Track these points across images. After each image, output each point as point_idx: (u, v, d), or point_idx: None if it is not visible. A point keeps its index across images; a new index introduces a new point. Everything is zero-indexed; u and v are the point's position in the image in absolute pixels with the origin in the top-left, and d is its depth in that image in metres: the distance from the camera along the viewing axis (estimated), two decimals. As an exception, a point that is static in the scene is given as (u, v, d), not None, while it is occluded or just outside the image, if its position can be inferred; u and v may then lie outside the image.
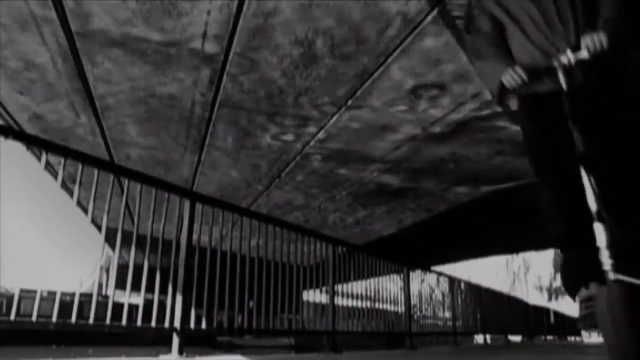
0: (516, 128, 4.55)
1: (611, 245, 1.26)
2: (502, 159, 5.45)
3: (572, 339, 21.25)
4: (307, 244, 5.23)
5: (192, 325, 3.52)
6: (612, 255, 1.25)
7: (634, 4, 1.54)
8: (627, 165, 1.47)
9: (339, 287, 5.51)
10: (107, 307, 2.90)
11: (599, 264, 1.27)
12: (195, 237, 3.69)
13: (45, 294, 2.94)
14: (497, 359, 4.12)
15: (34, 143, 2.98)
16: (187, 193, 3.92)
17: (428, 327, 7.98)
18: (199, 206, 3.88)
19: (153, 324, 3.23)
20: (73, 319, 2.74)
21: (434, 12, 2.97)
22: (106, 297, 3.27)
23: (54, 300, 2.80)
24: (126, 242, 3.23)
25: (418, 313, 7.61)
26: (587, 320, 1.37)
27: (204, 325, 3.71)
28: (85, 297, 3.03)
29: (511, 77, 1.51)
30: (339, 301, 5.53)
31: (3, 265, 2.82)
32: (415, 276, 7.65)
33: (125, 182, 3.36)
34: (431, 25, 3.09)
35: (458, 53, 3.39)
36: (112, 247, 3.56)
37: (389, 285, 6.78)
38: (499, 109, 4.20)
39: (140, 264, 3.30)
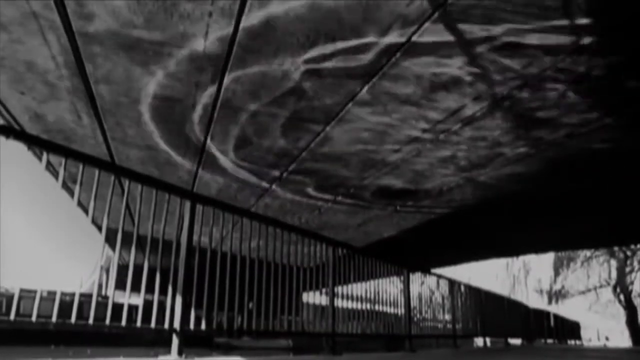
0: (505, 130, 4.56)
1: None
2: (502, 161, 5.46)
3: (572, 342, 21.22)
4: (307, 245, 5.23)
5: (191, 326, 3.53)
6: None
7: None
8: None
9: (338, 289, 5.51)
10: (106, 307, 2.90)
11: None
12: (195, 238, 3.70)
13: (45, 294, 2.95)
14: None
15: (35, 143, 2.99)
16: (188, 194, 3.93)
17: (428, 330, 7.98)
18: (199, 207, 3.88)
19: (153, 324, 3.23)
20: (73, 319, 2.74)
21: (436, 15, 2.98)
22: (106, 297, 3.27)
23: (53, 300, 2.80)
24: (126, 243, 3.24)
25: (418, 315, 7.60)
26: None
27: (203, 326, 3.71)
28: (85, 298, 3.03)
29: None
30: (339, 303, 5.53)
31: (3, 265, 2.82)
32: (415, 278, 7.65)
33: (126, 183, 3.37)
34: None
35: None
36: (113, 247, 3.56)
37: (389, 287, 6.78)
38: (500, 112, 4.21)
39: (141, 265, 3.30)
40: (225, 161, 5.66)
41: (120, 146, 5.38)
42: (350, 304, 5.89)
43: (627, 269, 21.66)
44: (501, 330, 11.51)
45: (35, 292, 2.71)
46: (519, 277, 31.22)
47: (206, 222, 3.95)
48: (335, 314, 5.32)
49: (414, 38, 3.22)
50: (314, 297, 5.46)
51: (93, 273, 17.41)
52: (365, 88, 3.88)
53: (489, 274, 28.38)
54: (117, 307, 2.95)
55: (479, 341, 12.64)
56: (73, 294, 2.79)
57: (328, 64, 3.55)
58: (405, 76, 3.70)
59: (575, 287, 25.99)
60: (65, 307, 2.72)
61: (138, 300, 3.16)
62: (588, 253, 23.21)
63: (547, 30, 3.08)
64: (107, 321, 2.93)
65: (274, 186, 6.54)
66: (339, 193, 6.79)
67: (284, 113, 4.36)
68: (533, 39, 3.19)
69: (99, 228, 4.85)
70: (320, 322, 5.48)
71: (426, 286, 8.12)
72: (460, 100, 4.04)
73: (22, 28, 3.23)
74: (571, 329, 21.69)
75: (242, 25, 3.12)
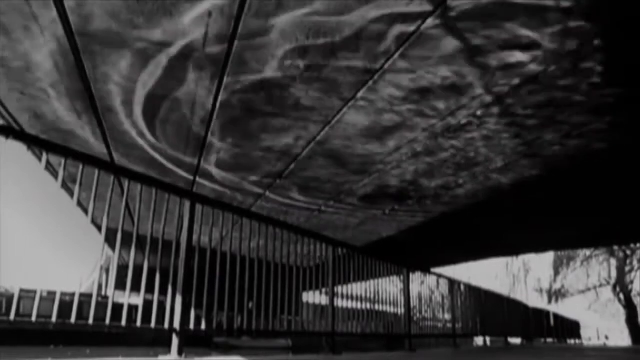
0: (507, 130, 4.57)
1: None
2: (502, 161, 5.46)
3: (572, 341, 21.24)
4: (307, 245, 5.24)
5: (191, 326, 3.53)
6: None
7: None
8: None
9: (338, 289, 5.52)
10: (106, 307, 2.91)
11: None
12: (195, 237, 3.70)
13: (45, 294, 2.95)
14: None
15: (34, 143, 2.99)
16: (188, 194, 3.93)
17: (427, 329, 7.99)
18: (199, 207, 3.89)
19: (153, 324, 3.23)
20: (73, 319, 2.75)
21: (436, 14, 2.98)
22: (106, 297, 3.28)
23: (53, 300, 2.81)
24: (126, 243, 3.24)
25: (418, 315, 7.61)
26: None
27: (203, 326, 3.71)
28: (85, 298, 3.04)
29: None
30: (339, 303, 5.54)
31: (3, 265, 2.82)
32: (415, 278, 7.66)
33: (126, 183, 3.37)
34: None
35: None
36: (112, 247, 3.57)
37: (389, 287, 6.79)
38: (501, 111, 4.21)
39: (140, 265, 3.30)
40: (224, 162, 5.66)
41: (120, 146, 5.38)
42: (350, 304, 5.89)
43: (627, 268, 21.68)
44: (501, 329, 11.52)
45: (35, 292, 2.71)
46: (518, 276, 31.25)
47: (206, 222, 3.95)
48: (335, 314, 5.33)
49: (412, 38, 3.22)
50: (314, 297, 5.47)
51: (93, 273, 17.43)
52: (364, 89, 3.89)
53: (489, 274, 28.41)
54: (117, 307, 2.95)
55: (478, 340, 12.65)
56: (73, 294, 2.79)
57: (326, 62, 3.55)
58: (402, 76, 3.70)
59: (575, 287, 26.01)
60: (65, 307, 2.73)
61: (138, 300, 3.16)
62: (588, 252, 23.24)
63: (546, 30, 3.09)
64: (107, 321, 2.93)
65: (274, 184, 6.54)
66: (337, 194, 6.79)
67: (282, 112, 4.36)
68: (532, 39, 3.19)
69: (99, 228, 4.84)
70: (320, 321, 5.49)
71: (426, 286, 8.14)
72: (459, 99, 4.04)
73: (22, 28, 3.23)
74: (571, 328, 21.71)
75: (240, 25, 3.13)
